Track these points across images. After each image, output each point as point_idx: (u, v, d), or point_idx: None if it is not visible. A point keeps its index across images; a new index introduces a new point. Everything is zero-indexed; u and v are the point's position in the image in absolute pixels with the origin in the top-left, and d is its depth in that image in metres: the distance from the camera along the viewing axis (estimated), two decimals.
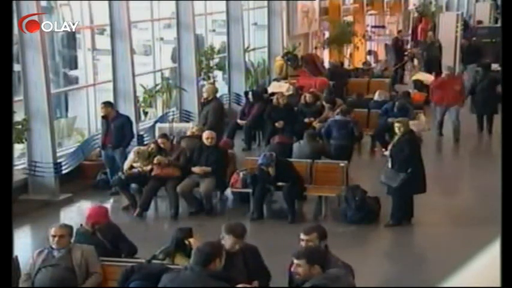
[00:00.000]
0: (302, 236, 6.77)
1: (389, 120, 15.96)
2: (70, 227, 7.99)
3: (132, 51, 15.36)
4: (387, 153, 11.73)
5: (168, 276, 6.73)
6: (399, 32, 27.85)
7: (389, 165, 11.51)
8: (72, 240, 8.02)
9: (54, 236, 7.75)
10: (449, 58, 24.26)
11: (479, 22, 30.66)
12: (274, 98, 16.61)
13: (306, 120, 16.03)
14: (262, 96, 17.58)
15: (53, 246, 7.75)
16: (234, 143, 15.48)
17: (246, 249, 7.15)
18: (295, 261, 6.19)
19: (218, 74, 19.68)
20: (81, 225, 8.69)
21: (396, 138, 11.68)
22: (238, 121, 16.77)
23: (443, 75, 17.99)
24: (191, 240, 8.10)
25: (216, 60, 19.31)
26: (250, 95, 17.31)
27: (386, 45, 27.81)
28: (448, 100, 17.21)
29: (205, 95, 15.83)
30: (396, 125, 11.78)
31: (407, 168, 11.32)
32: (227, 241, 7.02)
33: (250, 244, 7.31)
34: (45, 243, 8.03)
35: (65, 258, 7.72)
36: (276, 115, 16.03)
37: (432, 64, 23.83)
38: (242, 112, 17.09)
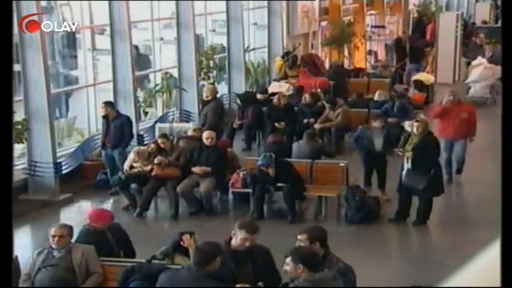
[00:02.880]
0: (297, 236, 6.79)
1: (389, 120, 15.97)
2: (70, 227, 7.99)
3: (132, 51, 15.36)
4: (408, 154, 11.45)
5: (165, 275, 6.73)
6: (404, 32, 27.84)
7: (409, 166, 11.44)
8: (73, 240, 8.03)
9: (54, 236, 7.75)
10: (448, 58, 24.26)
11: (485, 22, 30.66)
12: (275, 98, 16.60)
13: (306, 121, 16.04)
14: (254, 98, 17.52)
15: (53, 246, 7.76)
16: (233, 143, 15.52)
17: (256, 250, 7.05)
18: (285, 259, 6.26)
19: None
20: (89, 224, 8.59)
21: (417, 139, 11.53)
22: (236, 121, 16.73)
23: (445, 100, 14.02)
24: (185, 238, 8.05)
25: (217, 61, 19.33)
26: (238, 100, 17.36)
27: (386, 45, 27.81)
28: (453, 132, 13.73)
29: (205, 95, 15.84)
30: (415, 124, 11.70)
31: (430, 170, 11.31)
32: (238, 236, 6.94)
33: (262, 245, 7.19)
34: (45, 243, 8.04)
35: (65, 258, 7.73)
36: (276, 115, 16.03)
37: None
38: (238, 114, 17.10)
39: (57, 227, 7.89)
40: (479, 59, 22.64)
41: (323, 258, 6.60)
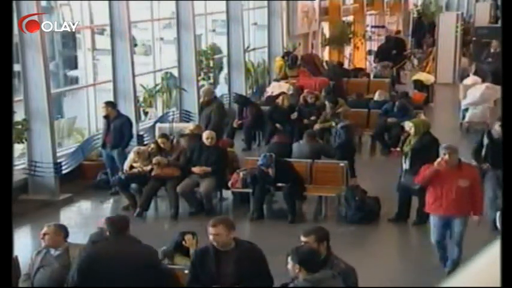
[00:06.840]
0: (301, 238, 6.76)
1: (389, 120, 15.99)
2: (60, 227, 7.88)
3: (132, 51, 15.37)
4: (405, 152, 11.36)
5: (86, 253, 7.10)
6: (399, 32, 27.86)
7: (407, 166, 11.39)
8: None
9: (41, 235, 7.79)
10: (449, 59, 24.28)
11: None
12: (279, 99, 16.58)
13: (306, 121, 16.04)
14: (249, 99, 17.54)
15: (42, 245, 7.77)
16: (234, 143, 15.51)
17: (244, 250, 6.88)
18: (287, 258, 6.28)
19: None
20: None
21: (415, 139, 11.46)
22: (236, 121, 16.74)
23: (438, 160, 9.49)
24: (187, 238, 8.08)
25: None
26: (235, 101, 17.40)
27: None
28: (447, 206, 9.45)
29: (204, 96, 15.84)
30: (409, 125, 11.67)
31: None
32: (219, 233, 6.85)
33: (253, 245, 7.05)
34: None
35: (62, 257, 7.71)
36: (278, 116, 16.04)
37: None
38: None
39: (45, 227, 7.89)
40: (472, 77, 19.82)
41: (325, 259, 6.59)
